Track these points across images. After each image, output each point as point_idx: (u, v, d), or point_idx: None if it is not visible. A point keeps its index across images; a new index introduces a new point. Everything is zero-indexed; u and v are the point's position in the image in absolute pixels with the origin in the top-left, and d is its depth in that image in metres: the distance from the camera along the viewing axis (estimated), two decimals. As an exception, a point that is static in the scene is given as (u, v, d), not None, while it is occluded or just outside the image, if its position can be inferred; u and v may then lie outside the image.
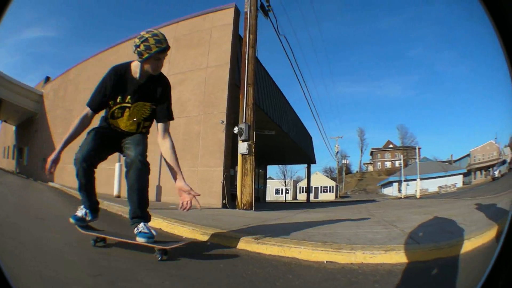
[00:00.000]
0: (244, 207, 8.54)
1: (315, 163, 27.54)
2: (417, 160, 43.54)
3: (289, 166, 52.20)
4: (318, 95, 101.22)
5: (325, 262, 3.06)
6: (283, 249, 3.30)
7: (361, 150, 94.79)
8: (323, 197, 53.48)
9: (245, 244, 3.57)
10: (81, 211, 3.28)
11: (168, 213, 5.71)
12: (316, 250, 3.17)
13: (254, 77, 9.37)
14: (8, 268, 1.33)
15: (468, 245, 3.18)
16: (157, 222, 4.66)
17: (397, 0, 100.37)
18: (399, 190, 39.26)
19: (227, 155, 9.33)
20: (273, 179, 54.43)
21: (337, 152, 67.23)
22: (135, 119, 3.15)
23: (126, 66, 3.07)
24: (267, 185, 33.66)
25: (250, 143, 8.80)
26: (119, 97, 3.04)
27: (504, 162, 31.93)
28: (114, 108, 3.08)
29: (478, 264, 3.28)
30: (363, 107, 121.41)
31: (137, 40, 2.87)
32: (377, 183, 70.50)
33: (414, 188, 33.55)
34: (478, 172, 61.42)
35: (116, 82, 3.01)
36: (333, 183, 61.31)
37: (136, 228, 2.96)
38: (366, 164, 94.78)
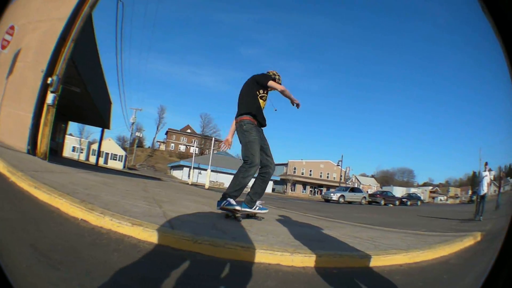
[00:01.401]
0: (42, 156, 8.61)
1: (109, 128, 26.77)
2: (211, 151, 44.30)
3: (88, 127, 49.18)
4: (130, 65, 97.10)
5: (80, 219, 3.24)
6: (51, 198, 3.63)
7: (158, 128, 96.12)
8: (112, 164, 52.27)
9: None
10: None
11: None
12: (73, 205, 3.39)
13: (80, 34, 9.26)
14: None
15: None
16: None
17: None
18: (188, 176, 39.29)
19: (40, 104, 8.90)
20: (73, 136, 50.65)
21: (133, 123, 66.11)
22: None
23: None
24: (66, 141, 31.16)
25: (56, 95, 8.76)
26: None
27: (353, 189, 35.35)
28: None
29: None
30: (174, 88, 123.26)
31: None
32: (168, 164, 72.07)
33: (205, 177, 33.55)
34: (302, 186, 67.55)
35: None
36: (123, 153, 60.51)
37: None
38: (159, 142, 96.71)
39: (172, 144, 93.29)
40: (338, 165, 61.61)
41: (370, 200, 35.84)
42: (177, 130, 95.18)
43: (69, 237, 2.78)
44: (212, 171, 37.40)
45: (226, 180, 45.50)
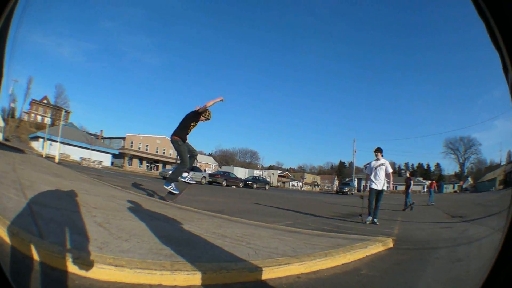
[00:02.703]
0: None
1: None
2: (61, 123, 41.88)
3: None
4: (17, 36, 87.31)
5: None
6: None
7: (25, 98, 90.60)
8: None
9: None
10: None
11: None
12: None
13: None
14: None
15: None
16: None
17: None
18: (42, 147, 37.43)
19: None
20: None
21: (11, 95, 61.39)
22: None
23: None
24: None
25: None
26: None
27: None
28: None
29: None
30: (41, 59, 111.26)
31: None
32: (29, 135, 67.12)
33: (56, 149, 31.48)
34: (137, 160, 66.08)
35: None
36: (2, 124, 56.00)
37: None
38: (25, 112, 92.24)
39: (33, 115, 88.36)
40: None
41: (210, 180, 33.94)
42: (37, 101, 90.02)
43: None
44: (61, 143, 37.06)
45: (72, 153, 45.36)
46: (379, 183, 9.25)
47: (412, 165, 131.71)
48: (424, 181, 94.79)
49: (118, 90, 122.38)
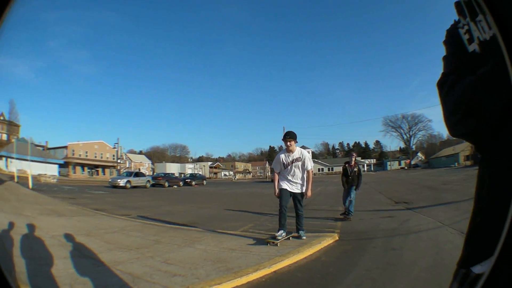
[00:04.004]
0: None
1: None
2: (14, 138, 40.65)
3: None
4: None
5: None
6: None
7: None
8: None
9: None
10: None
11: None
12: None
13: None
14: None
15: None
16: None
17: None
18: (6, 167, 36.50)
19: None
20: None
21: None
22: None
23: None
24: None
25: None
26: None
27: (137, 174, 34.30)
28: None
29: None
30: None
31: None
32: None
33: (14, 166, 31.70)
34: (78, 167, 64.92)
35: None
36: None
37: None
38: None
39: None
40: (114, 148, 65.20)
41: (154, 182, 36.12)
42: None
43: None
44: (17, 158, 36.61)
45: (26, 167, 42.77)
46: (296, 186, 6.70)
47: (348, 144, 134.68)
48: (363, 160, 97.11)
49: (60, 100, 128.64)
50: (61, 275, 4.04)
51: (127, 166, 75.19)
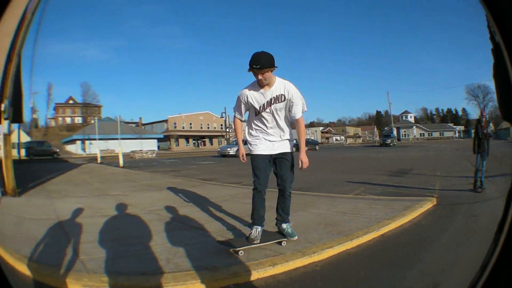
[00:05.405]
0: (12, 193, 7.63)
1: (23, 122, 23.25)
2: (96, 119, 42.87)
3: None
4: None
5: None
6: None
7: (48, 105, 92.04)
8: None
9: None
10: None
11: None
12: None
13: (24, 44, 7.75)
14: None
15: None
16: None
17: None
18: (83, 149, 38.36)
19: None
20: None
21: (32, 108, 63.20)
22: None
23: None
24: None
25: (10, 121, 7.32)
26: None
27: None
28: None
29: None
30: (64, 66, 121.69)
31: None
32: (61, 140, 68.32)
33: (96, 147, 31.37)
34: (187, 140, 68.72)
35: None
36: (29, 139, 55.28)
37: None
38: (50, 118, 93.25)
39: (61, 118, 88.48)
40: (222, 117, 62.81)
41: None
42: (62, 103, 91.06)
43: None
44: (100, 139, 37.12)
45: (116, 147, 44.49)
46: (280, 143, 3.98)
47: (442, 110, 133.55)
48: (454, 126, 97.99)
49: (151, 77, 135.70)
50: (159, 250, 3.78)
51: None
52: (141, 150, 39.41)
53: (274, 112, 3.85)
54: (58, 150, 41.20)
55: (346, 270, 3.43)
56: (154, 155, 37.17)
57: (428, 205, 6.15)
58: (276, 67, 3.66)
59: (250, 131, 4.07)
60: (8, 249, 3.41)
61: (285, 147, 3.98)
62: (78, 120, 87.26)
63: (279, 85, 3.81)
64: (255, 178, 3.90)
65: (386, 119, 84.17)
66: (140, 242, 4.11)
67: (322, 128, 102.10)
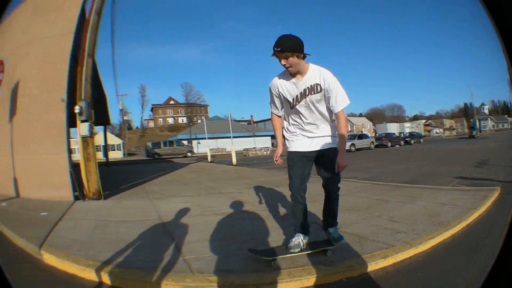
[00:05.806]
0: (94, 197, 7.61)
1: (110, 124, 25.28)
2: (203, 118, 44.48)
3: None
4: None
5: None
6: None
7: (143, 106, 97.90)
8: (113, 155, 50.80)
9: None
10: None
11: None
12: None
13: (95, 47, 8.20)
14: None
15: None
16: None
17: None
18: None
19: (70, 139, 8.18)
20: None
21: (122, 110, 66.53)
22: None
23: None
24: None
25: (91, 123, 7.60)
26: None
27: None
28: None
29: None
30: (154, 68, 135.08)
31: None
32: (161, 139, 72.45)
33: (206, 146, 32.18)
34: None
35: None
36: (119, 141, 59.50)
37: None
38: (147, 119, 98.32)
39: (160, 119, 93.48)
40: None
41: (377, 143, 36.82)
42: (162, 104, 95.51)
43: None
44: (209, 138, 37.19)
45: (226, 145, 45.66)
46: (321, 140, 3.32)
47: (499, 101, 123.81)
48: (508, 118, 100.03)
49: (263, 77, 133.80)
50: (274, 246, 3.66)
51: (349, 129, 77.67)
52: (254, 148, 39.92)
53: (311, 104, 3.23)
54: (192, 148, 43.88)
55: (441, 258, 3.56)
56: (268, 152, 37.24)
57: (495, 194, 6.22)
58: (305, 54, 3.05)
59: (288, 127, 3.50)
60: (72, 256, 3.60)
61: (327, 143, 3.34)
62: (182, 120, 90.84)
63: (314, 73, 3.19)
64: (289, 180, 3.39)
65: (471, 110, 79.28)
66: (254, 238, 4.13)
67: (424, 121, 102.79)
